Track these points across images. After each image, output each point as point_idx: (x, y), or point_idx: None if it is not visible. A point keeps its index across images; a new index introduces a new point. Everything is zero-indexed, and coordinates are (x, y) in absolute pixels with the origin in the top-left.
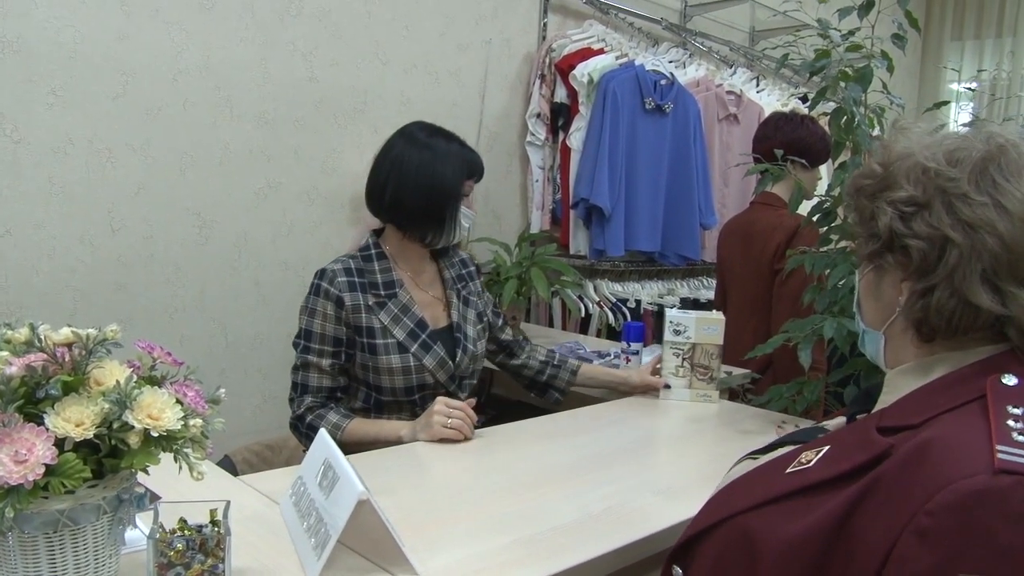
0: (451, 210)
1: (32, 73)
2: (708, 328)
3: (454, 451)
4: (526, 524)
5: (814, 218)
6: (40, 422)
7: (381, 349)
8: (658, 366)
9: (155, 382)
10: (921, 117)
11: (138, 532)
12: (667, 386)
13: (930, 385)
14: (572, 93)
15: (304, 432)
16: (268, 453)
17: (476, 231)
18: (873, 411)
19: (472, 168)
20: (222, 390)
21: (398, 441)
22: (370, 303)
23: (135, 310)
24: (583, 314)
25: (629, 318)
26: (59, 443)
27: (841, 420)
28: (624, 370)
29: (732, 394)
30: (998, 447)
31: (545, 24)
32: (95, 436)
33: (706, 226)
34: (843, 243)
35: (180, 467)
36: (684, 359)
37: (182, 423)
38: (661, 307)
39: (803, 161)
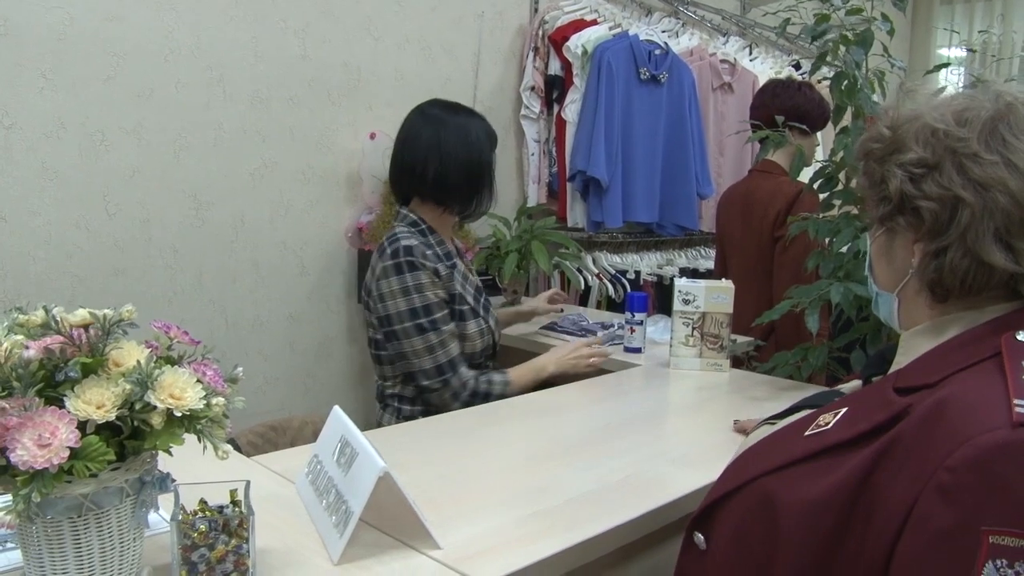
0: (488, 180)
1: (21, 56)
2: (717, 297)
3: (465, 425)
4: (544, 497)
5: (815, 184)
6: (61, 405)
7: (468, 315)
8: (557, 295)
9: (173, 362)
10: (922, 80)
11: (157, 516)
12: (561, 310)
13: (945, 344)
14: (566, 65)
15: (478, 403)
16: (273, 434)
17: None
18: (889, 372)
19: (493, 136)
20: (239, 368)
21: (545, 377)
22: (443, 272)
23: (133, 295)
24: (583, 287)
25: (629, 289)
26: (81, 426)
27: (856, 383)
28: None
29: (736, 361)
30: (1016, 401)
31: None
32: (117, 418)
33: (703, 196)
34: (845, 208)
35: (204, 447)
36: (694, 328)
37: (204, 402)
38: (660, 278)
39: (803, 127)
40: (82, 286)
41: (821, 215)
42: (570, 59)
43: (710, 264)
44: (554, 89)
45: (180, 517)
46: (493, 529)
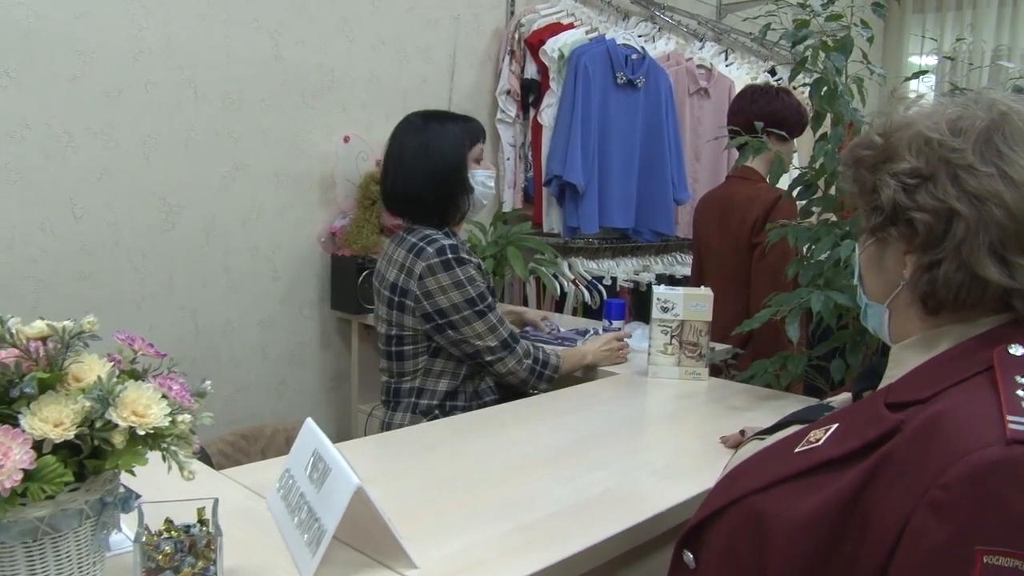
0: (459, 184)
1: None
2: (696, 304)
3: (441, 435)
4: (524, 510)
5: (795, 191)
6: (15, 423)
7: (495, 306)
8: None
9: (137, 376)
10: (901, 87)
11: (122, 535)
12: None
13: (937, 359)
14: (543, 69)
15: (548, 375)
16: (244, 443)
17: None
18: (880, 387)
19: (472, 134)
20: (207, 382)
21: (585, 366)
22: (482, 266)
23: (101, 300)
24: (559, 293)
25: (605, 296)
26: (37, 445)
27: (846, 396)
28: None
29: (714, 370)
30: (1009, 417)
31: None
32: (76, 436)
33: (679, 201)
34: (825, 215)
35: (169, 467)
36: (672, 336)
37: (170, 419)
38: (637, 284)
39: (782, 133)
40: (46, 291)
41: (801, 222)
42: (547, 63)
43: (687, 270)
44: (530, 93)
45: (144, 538)
46: (472, 545)
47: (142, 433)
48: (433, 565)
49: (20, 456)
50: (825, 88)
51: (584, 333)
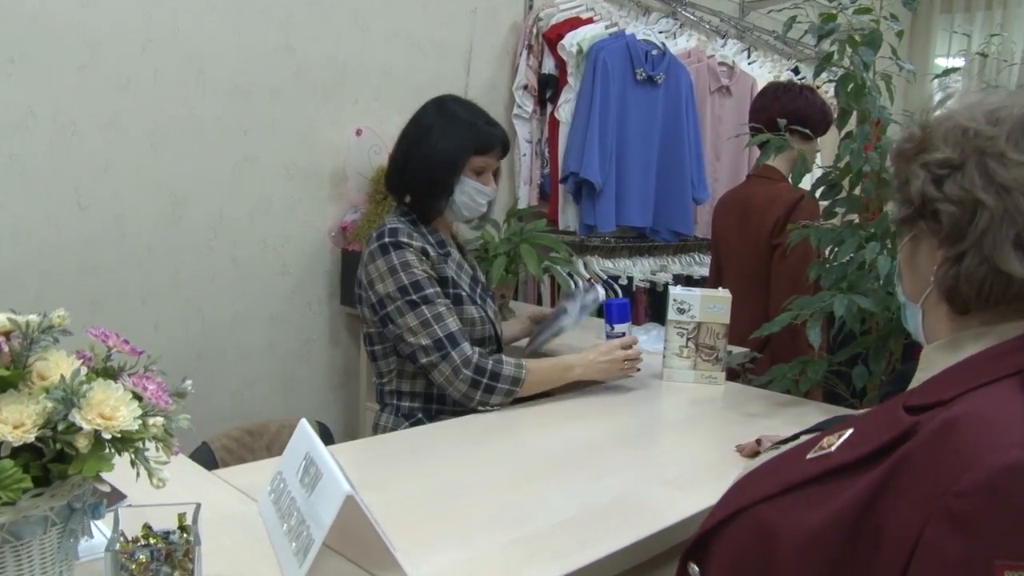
0: (443, 182)
1: None
2: (713, 307)
3: (444, 440)
4: (527, 521)
5: (818, 191)
6: None
7: (464, 300)
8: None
9: (111, 374)
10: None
11: (101, 536)
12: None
13: (965, 362)
14: (560, 64)
15: (502, 390)
16: (248, 439)
17: None
18: (907, 390)
19: (483, 143)
20: (188, 382)
21: (569, 379)
22: (432, 255)
23: (105, 293)
24: (566, 290)
25: (620, 295)
26: None
27: None
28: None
29: (732, 374)
30: None
31: None
32: (38, 439)
33: (699, 201)
34: (849, 217)
35: (138, 473)
36: (688, 339)
37: (140, 422)
38: (654, 284)
39: (806, 131)
40: (50, 284)
41: (823, 223)
42: (565, 58)
43: (705, 271)
44: (547, 88)
45: (118, 545)
46: (473, 557)
47: (108, 437)
48: None
49: None
50: (852, 84)
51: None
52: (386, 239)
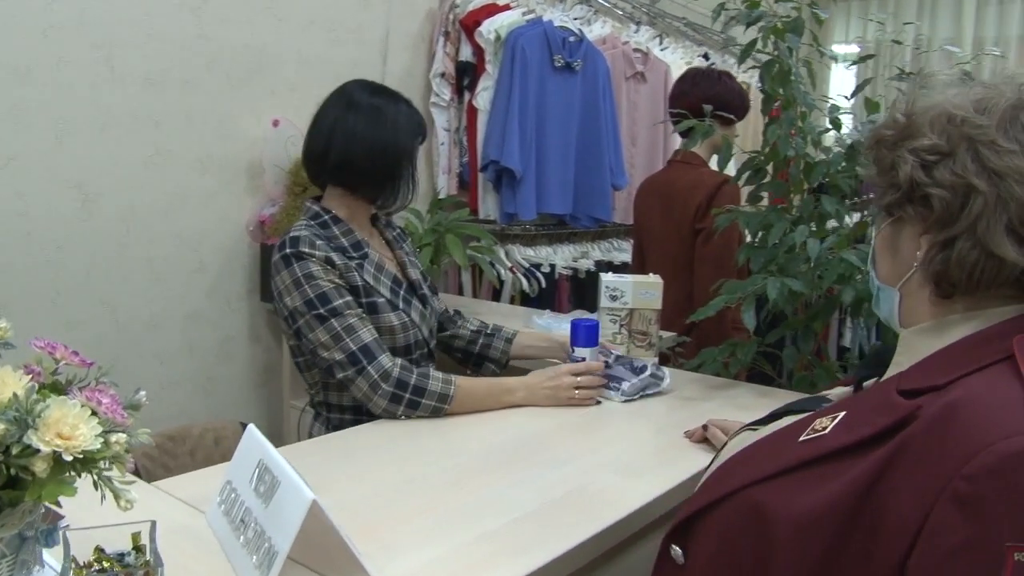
0: (406, 170)
1: None
2: (646, 292)
3: (383, 439)
4: (485, 517)
5: (745, 175)
6: None
7: (383, 307)
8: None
9: (59, 389)
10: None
11: (48, 570)
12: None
13: (954, 346)
14: (478, 51)
15: (428, 406)
16: (170, 444)
17: None
18: (888, 374)
19: (423, 128)
20: (142, 392)
21: (508, 404)
22: (339, 262)
23: (12, 296)
24: (499, 281)
25: (543, 283)
26: None
27: (843, 390)
28: (562, 333)
29: (662, 358)
30: None
31: None
32: None
33: (617, 187)
34: (775, 201)
35: (103, 496)
36: (621, 325)
37: (101, 440)
38: (576, 271)
39: (730, 116)
40: None
41: (747, 207)
42: (482, 45)
43: (624, 257)
44: (465, 76)
45: (71, 573)
46: (435, 559)
47: (69, 458)
48: None
49: None
50: (777, 68)
51: (639, 369)
52: (287, 250)
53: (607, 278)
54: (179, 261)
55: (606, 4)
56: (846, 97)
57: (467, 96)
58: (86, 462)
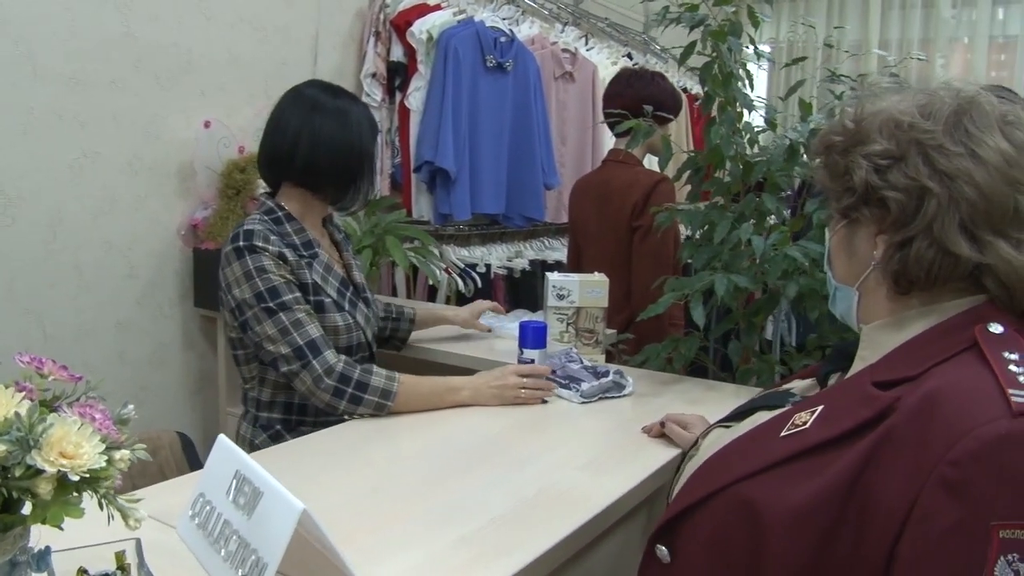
0: (367, 172)
1: None
2: (592, 291)
3: (341, 444)
4: (461, 520)
5: (685, 174)
6: None
7: (329, 307)
8: (496, 308)
9: (48, 406)
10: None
11: None
12: (489, 330)
13: (919, 338)
14: (410, 51)
15: (371, 402)
16: None
17: None
18: (855, 369)
19: (377, 129)
20: (130, 407)
21: (453, 403)
22: (291, 259)
23: None
24: (434, 282)
25: (479, 284)
26: None
27: (806, 382)
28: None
29: (607, 356)
30: (1011, 391)
31: None
32: None
33: (549, 186)
34: (715, 199)
35: (111, 517)
36: (568, 324)
37: (105, 458)
38: (511, 271)
39: (668, 115)
40: None
41: (686, 204)
42: (414, 45)
43: (557, 255)
44: (397, 76)
45: None
46: (418, 564)
47: (76, 478)
48: None
49: None
50: (716, 68)
51: (602, 374)
52: (240, 242)
53: (554, 277)
54: (109, 267)
55: (533, 4)
56: (781, 98)
57: (399, 96)
58: (92, 481)
